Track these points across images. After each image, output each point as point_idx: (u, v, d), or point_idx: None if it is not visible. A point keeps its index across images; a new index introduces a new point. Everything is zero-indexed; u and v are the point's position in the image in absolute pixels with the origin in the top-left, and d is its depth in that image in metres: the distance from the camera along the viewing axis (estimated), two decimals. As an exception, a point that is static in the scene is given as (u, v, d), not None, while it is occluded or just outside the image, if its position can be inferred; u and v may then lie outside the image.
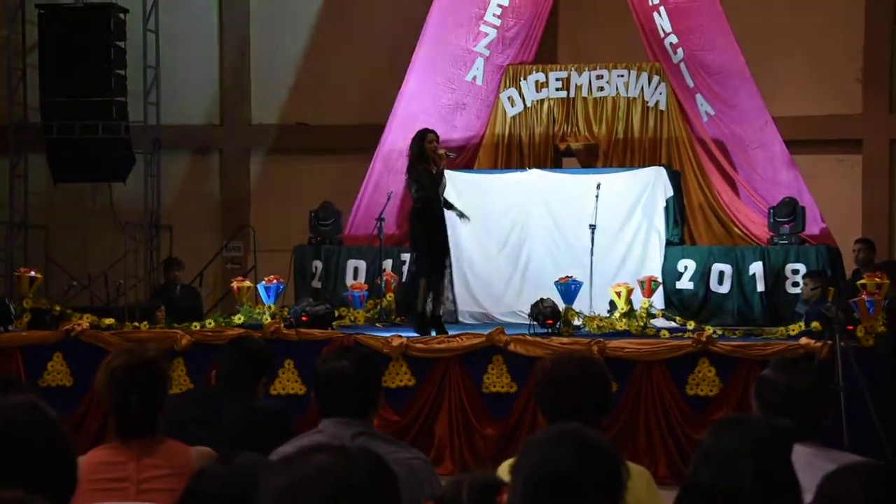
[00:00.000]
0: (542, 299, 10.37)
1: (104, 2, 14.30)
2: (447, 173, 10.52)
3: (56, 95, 14.02)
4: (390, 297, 11.92)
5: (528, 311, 10.44)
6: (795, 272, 11.86)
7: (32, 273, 10.58)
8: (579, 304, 10.63)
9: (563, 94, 13.56)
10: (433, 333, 10.04)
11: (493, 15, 13.68)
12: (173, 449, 3.83)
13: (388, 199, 12.26)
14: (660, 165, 12.66)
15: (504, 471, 2.63)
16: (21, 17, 14.90)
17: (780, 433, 2.75)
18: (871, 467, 2.58)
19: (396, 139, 13.50)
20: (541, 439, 2.37)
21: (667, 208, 12.31)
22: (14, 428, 2.46)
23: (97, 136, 13.95)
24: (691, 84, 13.20)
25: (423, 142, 10.23)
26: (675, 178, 12.60)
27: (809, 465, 3.30)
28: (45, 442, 2.48)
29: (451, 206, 10.51)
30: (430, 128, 10.72)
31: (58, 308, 10.54)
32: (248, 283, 11.30)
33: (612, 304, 10.74)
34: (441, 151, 10.27)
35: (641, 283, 10.94)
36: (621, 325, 10.28)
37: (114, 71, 14.08)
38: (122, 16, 14.42)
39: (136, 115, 14.58)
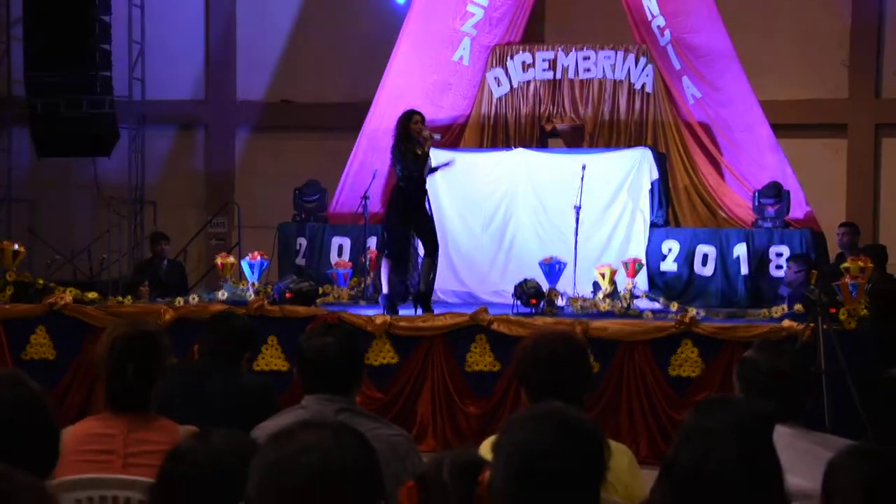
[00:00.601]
0: (525, 279, 10.38)
1: (90, -25, 14.22)
2: (433, 151, 10.51)
3: (40, 69, 13.95)
4: (374, 274, 11.92)
5: (511, 290, 10.45)
6: (779, 255, 11.89)
7: (16, 246, 10.54)
8: (563, 285, 10.65)
9: (550, 74, 13.55)
10: (419, 311, 10.08)
11: (481, -6, 13.64)
12: (163, 426, 3.83)
13: (374, 178, 12.24)
14: (645, 147, 12.66)
15: (486, 449, 2.64)
16: (6, -10, 14.82)
17: (761, 414, 2.76)
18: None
19: (382, 118, 13.47)
20: (523, 417, 2.38)
21: (652, 190, 12.31)
22: (-3, 400, 2.45)
23: (82, 110, 13.90)
24: (678, 66, 13.20)
25: (409, 122, 10.22)
26: (661, 161, 12.61)
27: (790, 445, 3.33)
28: (28, 415, 2.48)
29: (434, 169, 10.48)
30: (416, 109, 10.69)
31: (41, 282, 10.51)
32: (231, 259, 11.27)
33: (596, 285, 10.76)
34: (426, 133, 10.26)
35: (626, 264, 10.95)
36: (605, 306, 10.29)
37: (99, 45, 14.02)
38: (107, -11, 14.35)
39: (121, 89, 14.52)
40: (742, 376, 3.76)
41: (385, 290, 10.28)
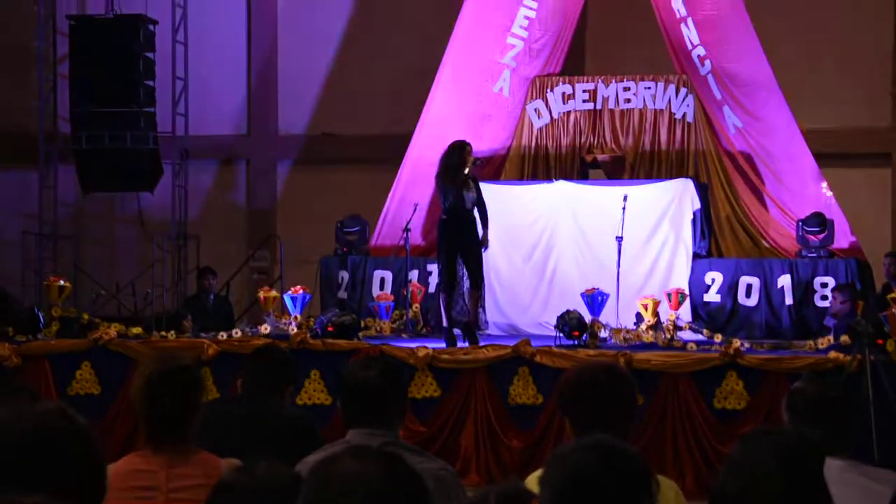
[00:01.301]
0: (568, 311, 10.34)
1: (134, 13, 14.40)
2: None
3: (86, 106, 14.12)
4: (416, 307, 11.93)
5: (554, 322, 10.42)
6: (824, 285, 11.78)
7: (61, 282, 10.65)
8: (606, 316, 10.60)
9: (590, 105, 13.54)
10: (464, 343, 10.06)
11: (521, 27, 13.68)
12: (205, 460, 3.83)
13: (415, 210, 12.28)
14: (687, 178, 12.61)
15: (532, 483, 2.61)
16: (52, 28, 15.02)
17: (809, 444, 2.72)
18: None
19: (423, 149, 13.51)
20: (569, 450, 2.36)
21: (694, 220, 12.26)
22: (45, 435, 2.46)
23: (126, 146, 14.03)
24: (719, 96, 13.16)
25: (463, 153, 10.28)
26: (703, 191, 12.56)
27: (840, 479, 3.27)
28: (75, 449, 2.49)
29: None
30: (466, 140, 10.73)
31: (86, 317, 10.60)
32: (274, 293, 11.32)
33: (639, 317, 10.70)
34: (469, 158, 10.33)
35: (668, 295, 10.89)
36: (648, 338, 10.24)
37: (143, 81, 14.17)
38: (151, 27, 14.53)
39: (165, 125, 14.66)
40: (791, 405, 3.71)
41: (444, 322, 10.28)
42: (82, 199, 15.13)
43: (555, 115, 13.63)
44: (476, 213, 10.33)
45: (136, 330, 10.37)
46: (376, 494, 1.99)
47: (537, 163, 13.66)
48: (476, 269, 10.35)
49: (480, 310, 10.84)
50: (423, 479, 2.11)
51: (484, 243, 10.40)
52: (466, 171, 10.23)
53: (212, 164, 16.52)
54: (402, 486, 2.03)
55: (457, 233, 10.18)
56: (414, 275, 12.34)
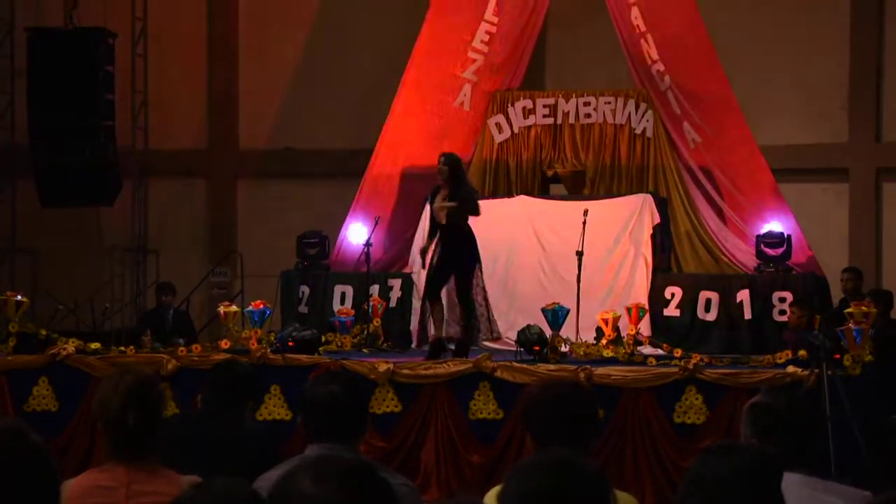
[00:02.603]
0: (528, 326, 10.36)
1: (93, 26, 14.30)
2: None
3: (44, 119, 14.00)
4: (377, 322, 11.91)
5: (514, 337, 10.43)
6: (782, 300, 11.87)
7: (19, 297, 10.53)
8: (566, 331, 10.62)
9: (551, 120, 13.60)
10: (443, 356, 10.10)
11: (481, 41, 13.72)
12: (165, 477, 3.80)
13: (376, 224, 12.27)
14: (647, 192, 12.69)
15: (491, 498, 2.62)
16: (10, 41, 14.90)
17: (769, 461, 2.74)
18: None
19: (384, 164, 13.52)
20: (528, 466, 2.36)
21: (654, 235, 12.32)
22: (-2, 453, 2.44)
23: (85, 159, 13.93)
24: (678, 111, 13.25)
25: (437, 166, 10.35)
26: (662, 205, 12.63)
27: (798, 494, 3.30)
28: (29, 467, 2.47)
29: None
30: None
31: (44, 332, 10.50)
32: (234, 308, 11.26)
33: (599, 331, 10.74)
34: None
35: (628, 309, 10.93)
36: (608, 352, 10.27)
37: (102, 95, 14.07)
38: (110, 40, 14.43)
39: (124, 139, 14.57)
40: (754, 420, 3.73)
41: (431, 334, 10.29)
42: (40, 214, 14.99)
43: (515, 130, 13.67)
44: (457, 222, 10.23)
45: (95, 345, 10.28)
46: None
47: (498, 177, 13.69)
48: (463, 284, 10.30)
49: (491, 320, 10.77)
50: (391, 491, 2.13)
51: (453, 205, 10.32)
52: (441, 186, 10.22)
53: (172, 178, 16.42)
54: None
55: (442, 249, 10.18)
56: (375, 289, 12.33)
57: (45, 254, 15.98)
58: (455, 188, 10.23)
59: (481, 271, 10.42)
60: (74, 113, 13.91)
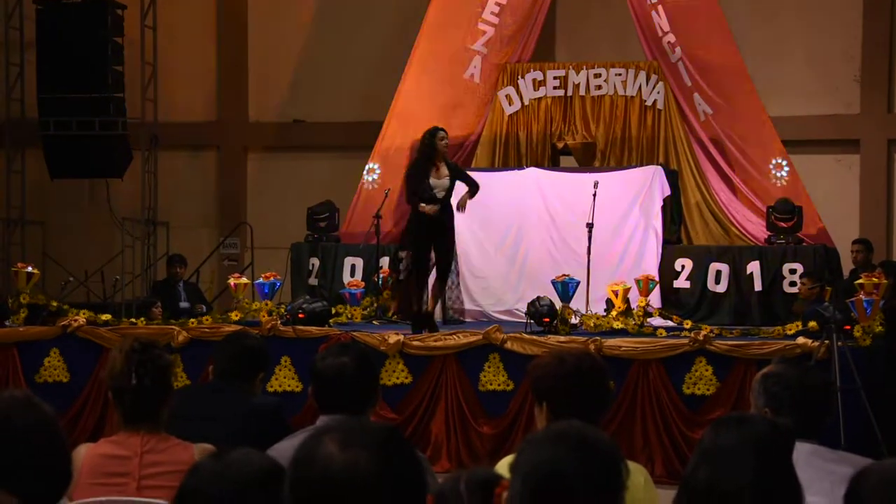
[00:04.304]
0: (538, 297, 10.36)
1: (102, -2, 14.28)
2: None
3: (53, 91, 14.01)
4: (387, 294, 11.91)
5: (525, 309, 10.43)
6: (793, 272, 11.86)
7: (29, 269, 10.56)
8: (576, 303, 10.62)
9: (561, 92, 13.55)
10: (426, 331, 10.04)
11: (491, 13, 13.66)
12: (177, 446, 3.83)
13: (386, 197, 12.26)
14: (657, 164, 12.65)
15: (503, 468, 2.62)
16: (19, 13, 14.88)
17: (780, 432, 2.74)
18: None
19: (394, 136, 13.49)
20: (540, 437, 2.36)
21: (664, 207, 12.30)
22: (9, 424, 2.45)
23: (94, 132, 13.94)
24: (689, 83, 13.20)
25: (434, 139, 10.16)
26: (673, 177, 12.60)
27: (808, 463, 3.30)
28: (40, 438, 2.47)
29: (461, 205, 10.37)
30: (440, 126, 10.54)
31: (55, 304, 10.53)
32: (244, 280, 11.27)
33: (609, 303, 10.73)
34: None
35: (638, 281, 10.92)
36: (618, 324, 10.26)
37: (111, 67, 14.07)
38: (119, 12, 14.42)
39: (134, 111, 14.57)
40: (766, 390, 3.73)
41: (415, 308, 10.25)
42: (50, 185, 15.01)
43: (526, 102, 13.63)
44: (452, 197, 10.21)
45: (106, 317, 10.31)
46: (371, 486, 2.03)
47: (508, 149, 13.66)
48: (445, 260, 10.32)
49: (462, 298, 10.75)
50: (417, 455, 2.15)
51: (461, 206, 10.27)
52: (437, 158, 10.13)
53: (182, 150, 16.44)
54: (397, 472, 2.07)
55: (429, 223, 10.09)
56: (384, 261, 12.33)
57: (56, 226, 16.02)
58: (450, 164, 10.24)
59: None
60: (84, 85, 13.92)
